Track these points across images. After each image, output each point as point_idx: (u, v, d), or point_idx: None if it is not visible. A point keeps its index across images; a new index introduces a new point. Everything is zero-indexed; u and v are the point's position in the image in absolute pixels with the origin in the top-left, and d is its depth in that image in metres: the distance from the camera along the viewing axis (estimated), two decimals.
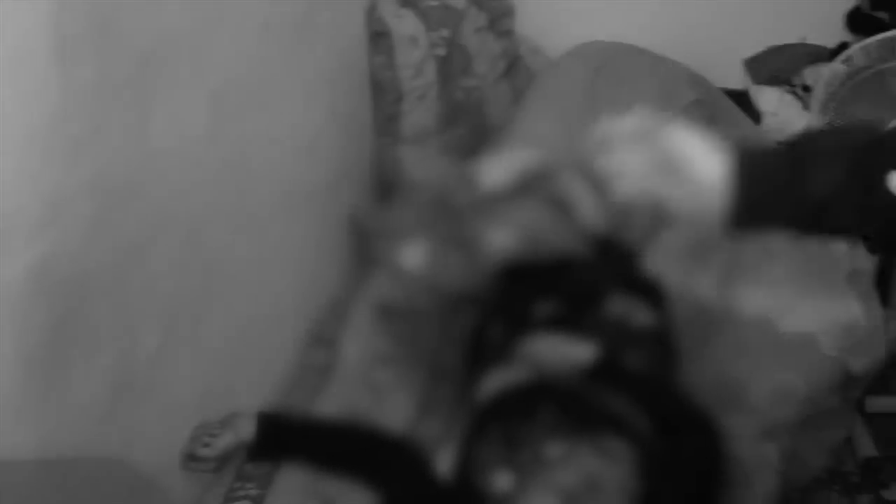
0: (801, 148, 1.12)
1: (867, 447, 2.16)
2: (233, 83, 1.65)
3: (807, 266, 1.81)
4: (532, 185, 1.67)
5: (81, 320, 1.30)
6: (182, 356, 1.60)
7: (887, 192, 1.04)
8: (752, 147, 1.12)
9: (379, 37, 2.36)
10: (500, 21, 2.67)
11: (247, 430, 1.63)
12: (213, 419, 1.66)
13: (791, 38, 3.00)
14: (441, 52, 2.43)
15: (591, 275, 1.71)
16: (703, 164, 1.09)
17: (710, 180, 1.08)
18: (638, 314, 1.65)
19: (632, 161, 1.11)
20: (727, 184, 1.08)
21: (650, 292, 1.71)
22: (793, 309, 1.70)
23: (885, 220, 1.09)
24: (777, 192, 1.09)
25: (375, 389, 1.78)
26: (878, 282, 1.83)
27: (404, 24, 2.36)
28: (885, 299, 1.94)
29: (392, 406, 1.73)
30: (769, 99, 2.90)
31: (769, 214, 1.11)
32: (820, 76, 2.64)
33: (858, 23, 2.96)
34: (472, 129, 2.52)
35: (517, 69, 2.71)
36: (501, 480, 1.37)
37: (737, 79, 2.99)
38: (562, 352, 1.56)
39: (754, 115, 2.80)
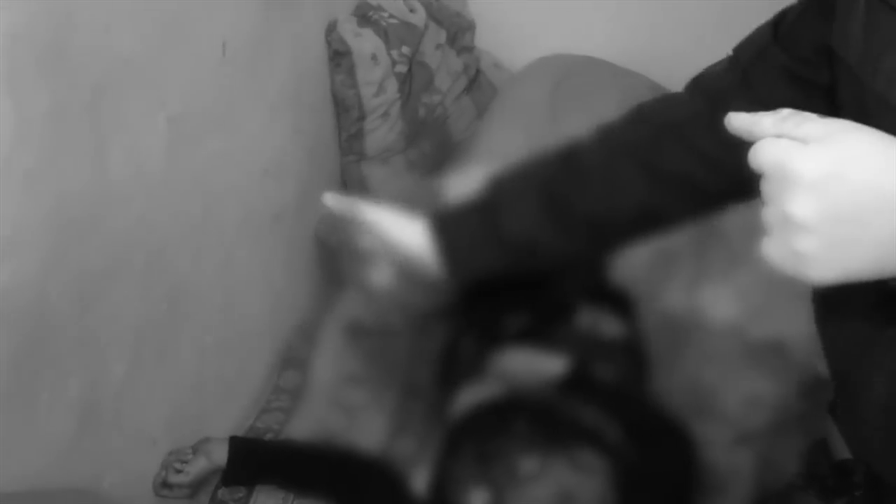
0: (492, 192, 1.16)
1: (841, 450, 2.17)
2: (192, 107, 1.64)
3: (773, 272, 1.82)
4: None
5: (45, 351, 1.28)
6: (150, 383, 1.59)
7: (583, 214, 1.08)
8: (448, 206, 1.19)
9: (339, 56, 2.35)
10: (460, 37, 2.67)
11: (220, 454, 1.62)
12: (185, 445, 1.65)
13: None
14: (402, 69, 2.43)
15: (560, 287, 1.71)
16: (404, 237, 1.17)
17: (416, 250, 1.16)
18: (607, 325, 1.65)
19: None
20: (431, 249, 1.15)
21: (619, 303, 1.71)
22: (761, 315, 1.70)
23: (591, 244, 1.13)
24: (478, 243, 1.13)
25: (348, 409, 1.77)
26: None
27: (364, 43, 2.36)
28: None
29: (365, 426, 1.72)
30: None
31: (482, 265, 1.14)
32: None
33: None
34: (436, 145, 2.52)
35: (479, 84, 2.71)
36: (477, 498, 1.37)
37: None
38: (533, 365, 1.55)
39: None
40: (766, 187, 0.68)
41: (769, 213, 0.69)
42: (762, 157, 0.68)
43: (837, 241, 0.66)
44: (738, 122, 0.72)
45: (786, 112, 0.69)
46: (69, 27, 1.26)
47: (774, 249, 0.70)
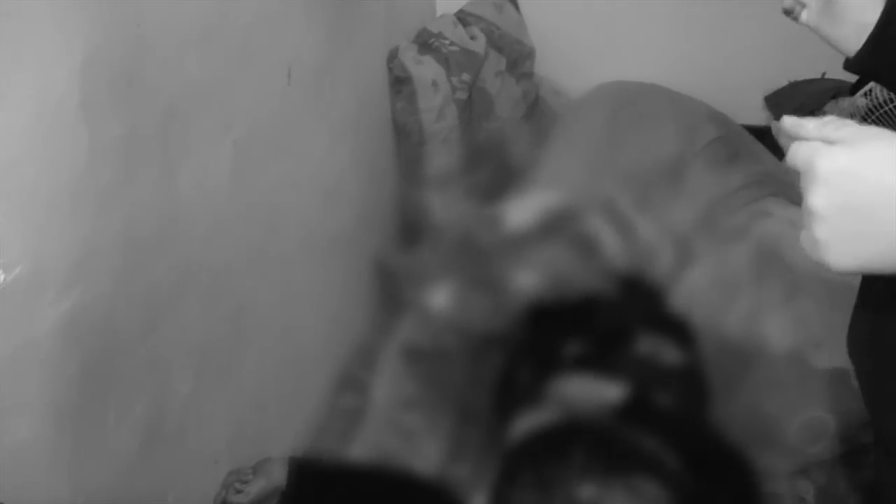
0: None
1: None
2: (257, 131, 1.67)
3: (835, 300, 1.80)
4: (557, 226, 1.67)
5: (113, 369, 1.31)
6: (213, 402, 1.61)
7: None
8: None
9: (400, 82, 2.38)
10: (520, 63, 2.68)
11: (279, 475, 1.63)
12: (245, 465, 1.66)
13: (812, 73, 3.00)
14: (462, 95, 2.45)
15: (619, 314, 1.70)
16: None
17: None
18: (667, 352, 1.64)
19: None
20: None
21: (678, 330, 1.70)
22: (823, 344, 1.68)
23: None
24: None
25: (405, 433, 1.77)
26: None
27: (425, 70, 2.39)
28: None
29: (422, 450, 1.72)
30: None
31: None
32: (842, 111, 2.64)
33: None
34: (495, 172, 2.53)
35: (538, 110, 2.72)
36: None
37: (758, 115, 2.99)
38: (591, 392, 1.55)
39: (777, 151, 2.79)
40: (801, 184, 0.76)
41: (803, 207, 0.77)
42: (797, 157, 0.77)
43: (848, 231, 0.74)
44: (788, 123, 0.80)
45: (828, 118, 0.77)
46: (141, 54, 1.29)
47: (803, 238, 0.79)
